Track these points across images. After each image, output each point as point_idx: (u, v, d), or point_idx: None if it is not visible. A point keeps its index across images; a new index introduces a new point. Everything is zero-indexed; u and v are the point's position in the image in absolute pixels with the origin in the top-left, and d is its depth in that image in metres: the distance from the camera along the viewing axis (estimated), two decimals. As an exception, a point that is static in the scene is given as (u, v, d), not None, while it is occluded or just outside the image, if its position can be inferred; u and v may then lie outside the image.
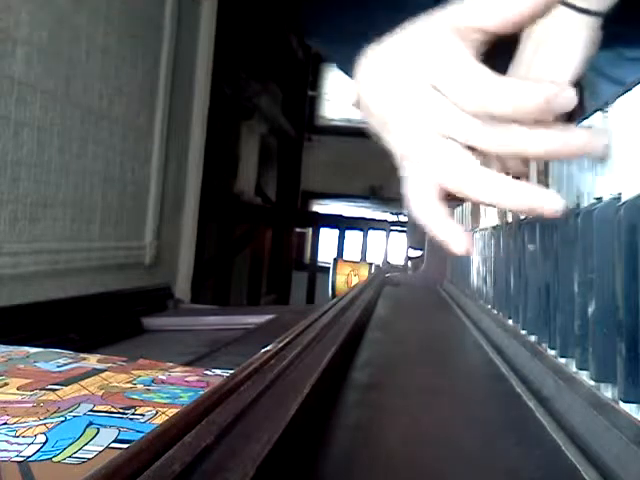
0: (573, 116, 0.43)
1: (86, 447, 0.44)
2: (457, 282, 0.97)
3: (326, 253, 3.42)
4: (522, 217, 0.53)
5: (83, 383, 0.61)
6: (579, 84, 0.78)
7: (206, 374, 0.68)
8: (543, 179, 0.47)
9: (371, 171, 4.39)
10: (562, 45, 0.48)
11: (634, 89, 0.30)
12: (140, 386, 0.61)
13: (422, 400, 0.39)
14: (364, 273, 1.63)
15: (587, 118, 0.36)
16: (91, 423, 0.49)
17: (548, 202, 0.36)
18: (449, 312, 0.82)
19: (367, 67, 0.44)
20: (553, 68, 0.48)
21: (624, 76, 0.72)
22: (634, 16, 0.64)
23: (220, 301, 2.79)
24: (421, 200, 0.43)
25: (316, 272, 3.38)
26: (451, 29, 0.40)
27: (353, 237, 3.40)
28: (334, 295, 1.60)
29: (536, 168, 0.48)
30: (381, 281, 1.14)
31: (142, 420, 0.50)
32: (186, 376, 0.66)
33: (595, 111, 0.35)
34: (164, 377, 0.65)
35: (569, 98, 0.35)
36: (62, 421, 0.49)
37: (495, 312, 0.61)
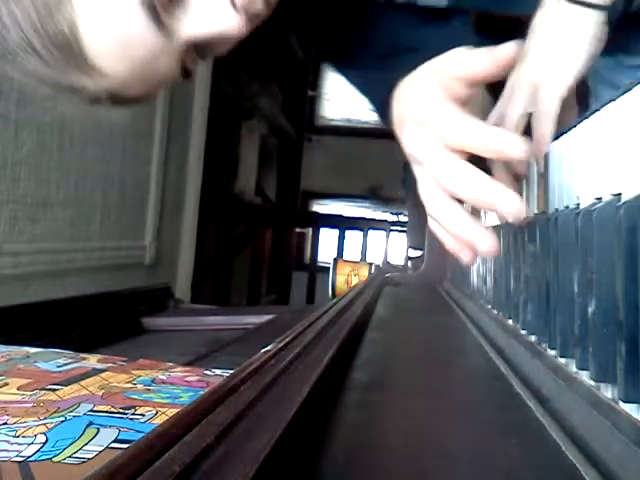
0: (579, 116, 0.43)
1: (86, 447, 0.44)
2: (457, 282, 0.97)
3: (326, 253, 3.42)
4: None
5: (83, 383, 0.61)
6: (586, 85, 0.78)
7: (206, 374, 0.68)
8: (543, 181, 0.47)
9: (371, 171, 4.40)
10: (567, 41, 0.48)
11: (634, 89, 0.30)
12: (140, 386, 0.61)
13: (422, 400, 0.39)
14: (364, 273, 1.63)
15: (587, 118, 0.36)
16: (91, 423, 0.49)
17: (510, 208, 0.43)
18: (449, 312, 0.82)
19: (397, 96, 0.50)
20: (558, 64, 0.48)
21: (622, 82, 0.72)
22: (635, 24, 0.64)
23: (220, 301, 2.79)
24: (438, 202, 0.46)
25: (316, 272, 3.39)
26: (434, 77, 0.46)
27: (353, 237, 3.40)
28: (334, 295, 1.60)
29: (537, 170, 0.48)
30: (381, 281, 1.14)
31: (142, 420, 0.50)
32: (186, 376, 0.66)
33: (594, 112, 0.35)
34: (164, 377, 0.65)
35: (519, 152, 0.42)
36: (62, 421, 0.49)
37: (495, 312, 0.61)
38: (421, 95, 0.47)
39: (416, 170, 0.49)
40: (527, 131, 0.50)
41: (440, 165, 0.45)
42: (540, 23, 0.51)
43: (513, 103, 0.51)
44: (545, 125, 0.47)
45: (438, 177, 0.45)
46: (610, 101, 0.32)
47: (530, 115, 0.50)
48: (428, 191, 0.47)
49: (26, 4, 0.44)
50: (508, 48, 0.45)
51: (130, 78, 0.50)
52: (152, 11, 0.46)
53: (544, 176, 0.46)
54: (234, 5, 0.49)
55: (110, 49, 0.47)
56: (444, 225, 0.47)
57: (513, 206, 0.43)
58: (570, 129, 0.40)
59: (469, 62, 0.46)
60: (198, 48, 0.53)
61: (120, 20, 0.46)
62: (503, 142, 0.42)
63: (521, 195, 0.51)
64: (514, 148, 0.42)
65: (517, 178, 0.52)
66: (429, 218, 0.49)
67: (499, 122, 0.52)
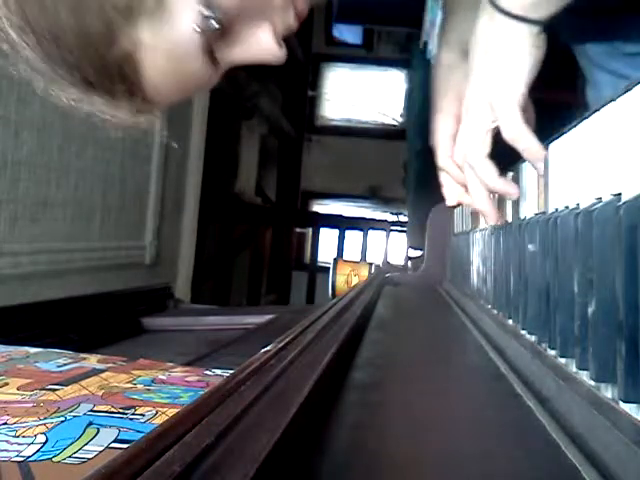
0: (574, 105, 0.44)
1: (86, 447, 0.44)
2: (457, 282, 0.97)
3: (326, 253, 3.42)
4: (522, 217, 0.53)
5: (83, 383, 0.61)
6: (582, 76, 0.80)
7: (206, 374, 0.68)
8: (543, 181, 0.47)
9: (371, 171, 4.40)
10: (508, 54, 0.51)
11: (634, 89, 0.29)
12: (140, 386, 0.61)
13: (422, 400, 0.39)
14: (364, 273, 1.63)
15: (587, 118, 0.36)
16: (91, 423, 0.49)
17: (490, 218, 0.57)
18: (449, 312, 0.82)
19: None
20: (504, 78, 0.50)
21: (620, 69, 0.73)
22: (630, 11, 0.64)
23: (220, 301, 2.79)
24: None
25: (316, 272, 3.38)
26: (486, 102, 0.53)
27: (353, 237, 3.40)
28: (334, 295, 1.60)
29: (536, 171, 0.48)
30: (381, 281, 1.14)
31: (142, 420, 0.50)
32: (186, 376, 0.66)
33: (594, 112, 0.35)
34: (164, 377, 0.65)
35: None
36: (62, 421, 0.49)
37: (495, 312, 0.61)
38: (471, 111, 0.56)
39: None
40: (497, 144, 0.52)
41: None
42: (479, 39, 0.53)
43: (474, 122, 0.54)
44: (524, 136, 0.49)
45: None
46: (610, 101, 0.32)
47: (496, 131, 0.52)
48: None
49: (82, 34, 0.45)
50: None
51: (172, 101, 0.55)
52: (209, 51, 0.49)
53: (544, 176, 0.46)
54: (277, 40, 0.52)
55: (166, 84, 0.50)
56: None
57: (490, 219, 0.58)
58: (570, 129, 0.40)
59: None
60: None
61: (180, 60, 0.49)
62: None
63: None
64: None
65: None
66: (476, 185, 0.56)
67: (465, 142, 0.54)
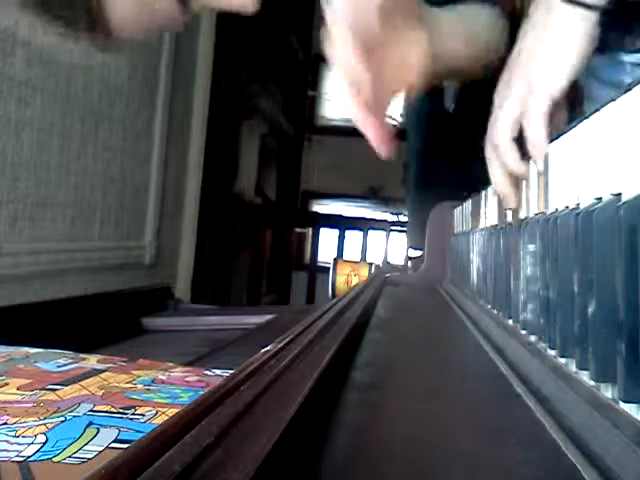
0: (577, 111, 0.44)
1: (86, 447, 0.44)
2: (457, 282, 0.97)
3: (326, 253, 3.42)
4: (522, 217, 0.53)
5: (83, 383, 0.61)
6: (579, 86, 0.80)
7: (206, 374, 0.68)
8: (543, 181, 0.47)
9: (371, 171, 4.39)
10: (561, 41, 0.49)
11: (634, 89, 0.29)
12: (140, 386, 0.61)
13: (422, 400, 0.39)
14: (364, 273, 1.63)
15: (587, 118, 0.36)
16: (91, 423, 0.49)
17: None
18: (449, 312, 0.82)
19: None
20: (551, 65, 0.49)
21: (620, 80, 0.72)
22: (631, 22, 0.64)
23: (220, 301, 2.79)
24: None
25: (316, 272, 3.38)
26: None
27: (353, 237, 3.40)
28: (334, 295, 1.60)
29: (536, 170, 0.48)
30: (381, 281, 1.14)
31: (142, 420, 0.50)
32: (186, 376, 0.66)
33: (594, 112, 0.35)
34: (164, 377, 0.65)
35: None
36: (62, 421, 0.49)
37: (495, 312, 0.61)
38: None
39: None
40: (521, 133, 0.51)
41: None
42: (534, 21, 0.52)
43: (507, 102, 0.52)
44: (538, 128, 0.48)
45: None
46: (610, 101, 0.32)
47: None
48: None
49: None
50: None
51: (135, 33, 0.54)
52: None
53: (544, 176, 0.46)
54: None
55: (132, 23, 0.51)
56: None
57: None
58: (570, 129, 0.40)
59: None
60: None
61: (149, 3, 0.49)
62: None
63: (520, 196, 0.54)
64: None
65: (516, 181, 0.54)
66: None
67: (494, 120, 0.54)
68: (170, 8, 0.50)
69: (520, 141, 0.53)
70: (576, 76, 0.50)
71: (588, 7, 0.47)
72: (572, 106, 0.57)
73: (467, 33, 0.70)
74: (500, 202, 0.61)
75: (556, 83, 0.49)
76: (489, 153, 0.56)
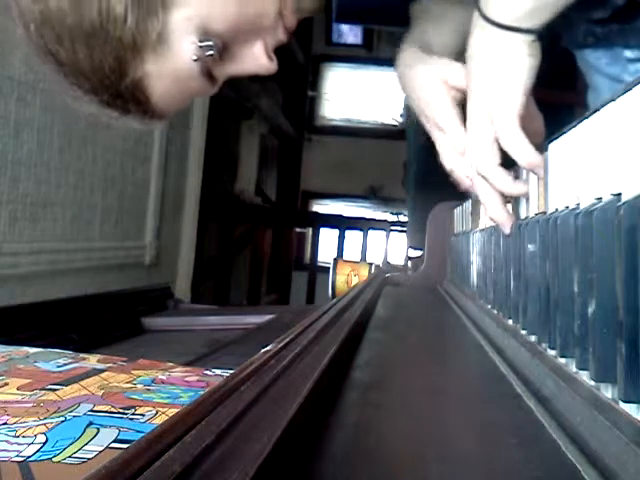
0: (576, 111, 0.44)
1: (86, 447, 0.44)
2: (457, 282, 0.97)
3: (326, 253, 3.41)
4: (522, 217, 0.53)
5: (83, 383, 0.61)
6: (584, 81, 0.80)
7: (206, 374, 0.68)
8: (542, 181, 0.47)
9: (371, 171, 4.39)
10: (504, 64, 0.51)
11: (634, 89, 0.29)
12: (140, 386, 0.61)
13: (422, 400, 0.39)
14: (364, 273, 1.63)
15: (587, 118, 0.36)
16: (91, 423, 0.49)
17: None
18: (449, 312, 0.82)
19: (403, 78, 0.65)
20: (502, 88, 0.50)
21: (622, 74, 0.73)
22: (633, 18, 0.64)
23: (220, 301, 2.79)
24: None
25: (316, 272, 3.38)
26: (441, 81, 0.60)
27: (353, 237, 3.40)
28: (334, 295, 1.59)
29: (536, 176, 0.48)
30: (381, 281, 1.14)
31: (142, 420, 0.50)
32: (186, 376, 0.66)
33: (594, 112, 0.35)
34: (164, 377, 0.65)
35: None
36: (62, 421, 0.49)
37: (495, 312, 0.61)
38: (428, 93, 0.62)
39: (434, 134, 0.64)
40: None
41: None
42: (474, 51, 0.53)
43: (479, 134, 0.54)
44: (520, 146, 0.48)
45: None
46: (610, 101, 0.32)
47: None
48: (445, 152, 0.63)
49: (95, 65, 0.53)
50: None
51: (175, 108, 0.61)
52: (208, 73, 0.56)
53: (544, 177, 0.47)
54: (269, 54, 0.60)
55: (172, 102, 0.58)
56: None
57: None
58: (570, 129, 0.40)
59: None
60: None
61: (183, 83, 0.57)
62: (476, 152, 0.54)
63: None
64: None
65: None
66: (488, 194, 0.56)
67: (474, 154, 0.54)
68: (203, 86, 0.58)
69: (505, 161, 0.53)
70: (529, 88, 0.50)
71: (524, 32, 0.48)
72: (574, 110, 0.57)
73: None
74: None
75: (514, 102, 0.50)
76: (478, 183, 0.56)
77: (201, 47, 0.53)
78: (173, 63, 0.54)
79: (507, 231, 0.55)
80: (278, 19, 0.59)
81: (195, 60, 0.54)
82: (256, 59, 0.59)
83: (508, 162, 0.53)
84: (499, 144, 0.52)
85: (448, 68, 0.60)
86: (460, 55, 0.62)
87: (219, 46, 0.54)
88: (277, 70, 0.61)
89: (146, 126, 0.61)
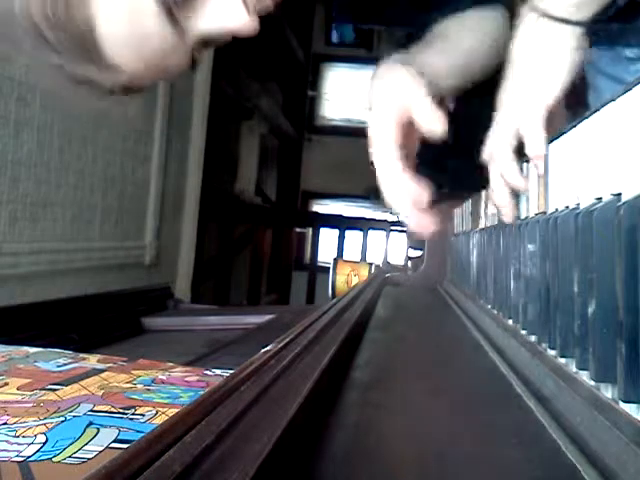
0: (577, 110, 0.44)
1: (86, 447, 0.44)
2: (457, 282, 0.97)
3: (326, 253, 3.41)
4: (522, 217, 0.53)
5: (83, 383, 0.61)
6: (584, 81, 0.80)
7: (206, 374, 0.68)
8: (543, 181, 0.47)
9: (371, 171, 4.39)
10: (549, 55, 0.50)
11: (634, 89, 0.29)
12: (140, 386, 0.61)
13: (422, 400, 0.39)
14: (364, 273, 1.63)
15: (587, 118, 0.36)
16: (91, 423, 0.49)
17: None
18: (449, 312, 0.82)
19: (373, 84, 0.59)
20: (542, 78, 0.50)
21: (623, 74, 0.73)
22: (634, 17, 0.64)
23: (220, 301, 2.79)
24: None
25: (316, 272, 3.38)
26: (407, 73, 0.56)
27: (353, 237, 3.39)
28: (334, 295, 1.59)
29: (536, 172, 0.48)
30: (381, 281, 1.14)
31: (142, 420, 0.50)
32: (186, 376, 0.66)
33: (594, 112, 0.35)
34: (164, 377, 0.65)
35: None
36: (62, 421, 0.49)
37: (495, 312, 0.61)
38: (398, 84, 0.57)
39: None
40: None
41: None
42: (521, 38, 0.53)
43: (503, 115, 0.54)
44: (536, 134, 0.49)
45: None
46: (610, 101, 0.32)
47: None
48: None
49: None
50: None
51: (144, 72, 0.53)
52: (169, 13, 0.48)
53: (544, 176, 0.47)
54: (246, 5, 0.52)
55: (126, 48, 0.49)
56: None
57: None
58: (570, 129, 0.40)
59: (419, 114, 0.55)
60: (206, 40, 0.55)
61: (137, 21, 0.48)
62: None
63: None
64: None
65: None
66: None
67: (495, 137, 0.54)
68: (163, 32, 0.49)
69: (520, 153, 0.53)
70: (568, 83, 0.50)
71: (572, 23, 0.48)
72: (574, 109, 0.57)
73: (476, 43, 0.70)
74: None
75: (549, 93, 0.50)
76: (490, 165, 0.56)
77: None
78: None
79: (507, 218, 0.55)
80: None
81: None
82: (232, 11, 0.51)
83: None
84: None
85: (417, 93, 0.55)
86: (464, 81, 0.63)
87: None
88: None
89: (108, 80, 0.53)
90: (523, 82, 0.52)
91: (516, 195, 0.56)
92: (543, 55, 0.50)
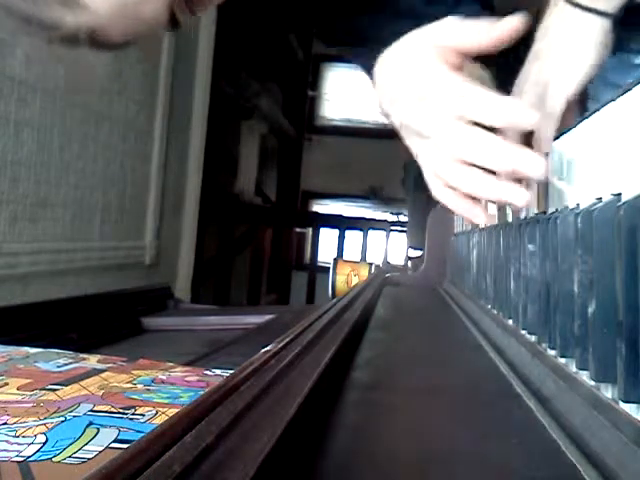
0: (573, 120, 0.44)
1: (86, 447, 0.44)
2: (457, 282, 0.97)
3: (326, 253, 3.42)
4: (522, 217, 0.53)
5: (83, 383, 0.61)
6: (585, 92, 0.79)
7: (206, 374, 0.68)
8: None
9: (371, 171, 4.39)
10: (576, 46, 0.49)
11: (634, 89, 0.30)
12: (140, 386, 0.61)
13: (422, 400, 0.39)
14: (364, 273, 1.63)
15: (587, 118, 0.36)
16: (91, 423, 0.49)
17: (533, 168, 0.44)
18: (449, 312, 0.82)
19: (381, 68, 0.52)
20: (567, 68, 0.49)
21: (625, 81, 0.72)
22: (633, 22, 0.64)
23: (220, 301, 2.79)
24: (454, 170, 0.48)
25: (316, 272, 3.38)
26: (426, 46, 0.47)
27: (353, 237, 3.40)
28: (334, 295, 1.60)
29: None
30: (381, 281, 1.14)
31: (142, 420, 0.50)
32: (186, 376, 0.66)
33: (594, 112, 0.35)
34: (164, 377, 0.65)
35: (530, 120, 0.43)
36: (62, 421, 0.49)
37: (495, 312, 0.61)
38: (417, 66, 0.47)
39: (419, 144, 0.50)
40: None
41: (455, 135, 0.45)
42: (550, 26, 0.52)
43: (522, 100, 0.52)
44: (549, 126, 0.48)
45: (454, 147, 0.46)
46: (610, 101, 0.32)
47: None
48: (440, 162, 0.48)
49: None
50: (509, 23, 0.44)
51: (113, 15, 0.47)
52: None
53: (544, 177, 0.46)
54: None
55: (111, 11, 0.45)
56: (467, 188, 0.48)
57: (536, 165, 0.43)
58: (570, 129, 0.40)
59: (462, 31, 0.47)
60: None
61: None
62: (516, 111, 0.44)
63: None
64: (526, 117, 0.43)
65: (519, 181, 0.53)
66: (439, 189, 0.49)
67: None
68: (158, 12, 0.47)
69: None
70: (589, 80, 0.50)
71: (599, 13, 0.48)
72: (579, 109, 0.57)
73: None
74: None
75: (571, 85, 0.49)
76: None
77: None
78: None
79: (521, 204, 0.47)
80: None
81: None
82: None
83: None
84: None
85: (439, 26, 0.48)
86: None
87: None
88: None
89: (73, 23, 0.46)
90: (545, 71, 0.51)
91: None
92: (567, 46, 0.49)
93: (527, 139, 0.50)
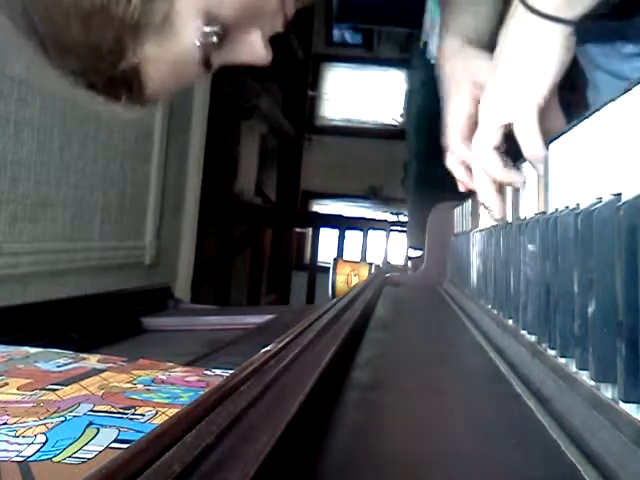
0: (576, 107, 0.44)
1: (86, 447, 0.44)
2: (457, 282, 0.97)
3: (326, 253, 3.41)
4: (522, 217, 0.53)
5: (83, 383, 0.61)
6: (584, 77, 0.80)
7: (206, 374, 0.68)
8: (542, 181, 0.47)
9: (371, 171, 4.39)
10: (537, 53, 0.50)
11: (634, 89, 0.29)
12: (140, 386, 0.61)
13: (422, 400, 0.39)
14: (364, 273, 1.63)
15: (587, 118, 0.36)
16: (91, 423, 0.49)
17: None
18: (449, 312, 0.82)
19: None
20: (530, 76, 0.50)
21: (620, 69, 0.73)
22: (631, 14, 0.64)
23: (220, 301, 2.79)
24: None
25: (316, 272, 3.38)
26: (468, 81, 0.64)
27: (353, 237, 3.40)
28: (334, 295, 1.59)
29: (536, 173, 0.48)
30: (381, 281, 1.14)
31: (142, 420, 0.50)
32: (186, 376, 0.66)
33: (594, 112, 0.35)
34: (164, 377, 0.65)
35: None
36: (62, 421, 0.49)
37: (495, 312, 0.61)
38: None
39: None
40: (511, 137, 0.52)
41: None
42: (509, 35, 0.53)
43: (490, 116, 0.54)
44: (531, 135, 0.49)
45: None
46: (610, 101, 0.32)
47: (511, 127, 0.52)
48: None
49: (89, 51, 0.47)
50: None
51: (162, 92, 0.56)
52: (206, 60, 0.52)
53: (544, 176, 0.47)
54: (265, 43, 0.56)
55: (165, 88, 0.54)
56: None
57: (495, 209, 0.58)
58: (570, 129, 0.40)
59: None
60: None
61: (180, 69, 0.52)
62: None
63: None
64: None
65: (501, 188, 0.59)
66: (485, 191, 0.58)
67: (478, 134, 0.55)
68: (198, 73, 0.54)
69: (508, 149, 0.54)
70: (557, 83, 0.50)
71: (560, 21, 0.48)
72: (574, 106, 0.57)
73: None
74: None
75: (538, 92, 0.50)
76: (474, 163, 0.57)
77: (205, 33, 0.50)
78: (175, 48, 0.50)
79: (497, 216, 0.57)
80: (280, 6, 0.56)
81: (198, 46, 0.50)
82: (253, 48, 0.56)
83: (514, 155, 0.53)
84: (507, 132, 0.52)
85: (477, 65, 0.62)
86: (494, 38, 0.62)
87: (221, 32, 0.51)
88: (271, 62, 0.58)
89: (128, 111, 0.56)
90: (511, 76, 0.52)
91: (516, 190, 0.56)
92: (530, 52, 0.50)
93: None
